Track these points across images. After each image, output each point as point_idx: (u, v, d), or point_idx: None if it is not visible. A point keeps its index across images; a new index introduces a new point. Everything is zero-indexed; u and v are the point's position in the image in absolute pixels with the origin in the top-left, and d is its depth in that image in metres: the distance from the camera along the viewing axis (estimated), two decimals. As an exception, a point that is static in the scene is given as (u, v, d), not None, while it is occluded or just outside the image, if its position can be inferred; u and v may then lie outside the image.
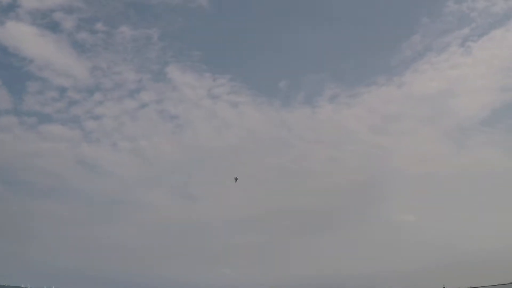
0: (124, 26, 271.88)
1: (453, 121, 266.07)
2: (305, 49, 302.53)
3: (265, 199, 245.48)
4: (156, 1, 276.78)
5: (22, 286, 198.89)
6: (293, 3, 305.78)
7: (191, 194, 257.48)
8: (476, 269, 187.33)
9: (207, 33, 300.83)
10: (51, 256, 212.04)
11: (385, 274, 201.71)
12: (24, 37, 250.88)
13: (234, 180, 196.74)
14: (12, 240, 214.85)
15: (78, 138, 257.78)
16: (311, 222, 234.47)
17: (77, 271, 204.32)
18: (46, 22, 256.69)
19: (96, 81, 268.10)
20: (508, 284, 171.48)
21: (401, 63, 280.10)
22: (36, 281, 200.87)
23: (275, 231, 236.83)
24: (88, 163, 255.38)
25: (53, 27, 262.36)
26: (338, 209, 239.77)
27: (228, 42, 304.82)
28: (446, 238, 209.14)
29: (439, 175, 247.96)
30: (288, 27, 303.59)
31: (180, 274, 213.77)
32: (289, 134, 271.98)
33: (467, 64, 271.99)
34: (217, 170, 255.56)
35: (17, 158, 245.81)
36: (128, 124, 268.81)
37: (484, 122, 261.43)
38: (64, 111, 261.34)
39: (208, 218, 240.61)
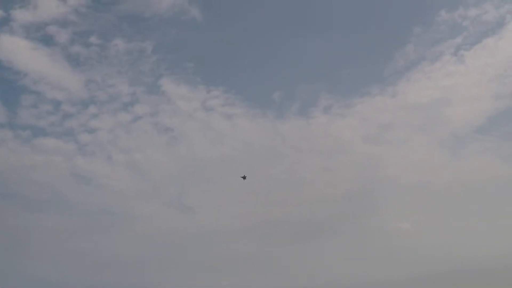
0: (118, 39, 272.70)
1: (447, 129, 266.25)
2: (299, 60, 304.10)
3: (260, 209, 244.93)
4: (149, 14, 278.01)
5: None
6: (286, 14, 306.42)
7: (186, 205, 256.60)
8: (472, 277, 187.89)
9: (200, 45, 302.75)
10: (46, 269, 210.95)
11: (380, 283, 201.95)
12: (18, 50, 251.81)
13: (242, 179, 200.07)
14: (6, 254, 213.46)
15: (72, 151, 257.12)
16: (306, 232, 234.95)
17: (73, 284, 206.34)
18: (40, 35, 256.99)
19: (91, 94, 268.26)
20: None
21: (395, 73, 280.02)
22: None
23: (270, 241, 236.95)
24: (83, 176, 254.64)
25: (47, 40, 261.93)
26: (333, 219, 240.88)
27: (222, 54, 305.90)
28: (442, 247, 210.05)
29: (434, 183, 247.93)
30: (282, 38, 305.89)
31: (177, 285, 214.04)
32: (283, 145, 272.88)
33: (460, 72, 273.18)
34: (211, 182, 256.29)
35: (12, 171, 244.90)
36: (123, 136, 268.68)
37: (479, 130, 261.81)
38: (59, 124, 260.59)
39: (203, 229, 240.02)
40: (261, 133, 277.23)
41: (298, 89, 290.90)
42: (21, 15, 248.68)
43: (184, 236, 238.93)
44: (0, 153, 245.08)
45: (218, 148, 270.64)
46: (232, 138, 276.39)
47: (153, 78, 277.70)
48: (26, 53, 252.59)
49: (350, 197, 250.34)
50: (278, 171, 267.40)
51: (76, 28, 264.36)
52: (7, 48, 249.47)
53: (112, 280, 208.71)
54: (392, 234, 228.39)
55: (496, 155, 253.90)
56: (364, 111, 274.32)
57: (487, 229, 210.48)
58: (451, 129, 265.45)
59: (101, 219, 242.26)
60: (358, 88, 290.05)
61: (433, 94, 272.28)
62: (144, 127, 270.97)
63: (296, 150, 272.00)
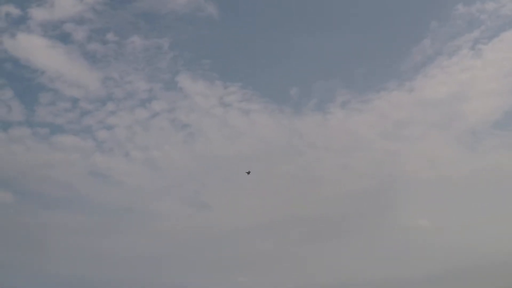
0: (135, 36, 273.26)
1: (464, 124, 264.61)
2: (315, 56, 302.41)
3: (278, 206, 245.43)
4: (166, 11, 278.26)
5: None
6: (302, 10, 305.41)
7: (204, 202, 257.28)
8: (493, 272, 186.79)
9: (217, 42, 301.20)
10: (64, 267, 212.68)
11: (400, 279, 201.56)
12: (35, 48, 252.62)
13: (247, 174, 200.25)
14: (25, 252, 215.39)
15: (90, 148, 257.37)
16: (324, 229, 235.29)
17: (90, 282, 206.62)
18: (57, 33, 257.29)
19: (108, 91, 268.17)
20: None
21: (412, 68, 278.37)
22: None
23: (287, 238, 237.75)
24: (101, 173, 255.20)
25: (64, 38, 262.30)
26: (350, 216, 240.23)
27: (239, 50, 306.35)
28: (461, 242, 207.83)
29: (452, 179, 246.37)
30: (298, 34, 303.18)
31: (195, 283, 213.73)
32: (301, 141, 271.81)
33: (477, 67, 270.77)
34: (229, 179, 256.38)
35: (30, 169, 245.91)
36: (140, 133, 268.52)
37: (496, 125, 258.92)
38: (77, 121, 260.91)
39: (221, 227, 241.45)
40: (278, 129, 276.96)
41: (315, 85, 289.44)
42: (38, 14, 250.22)
43: (201, 233, 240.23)
44: (18, 151, 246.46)
45: (235, 145, 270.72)
46: (249, 134, 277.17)
47: (170, 75, 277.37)
48: (44, 51, 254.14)
49: (367, 193, 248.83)
50: (295, 168, 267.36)
51: (93, 25, 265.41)
52: (24, 46, 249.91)
53: (129, 278, 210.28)
54: (410, 231, 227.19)
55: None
56: (381, 107, 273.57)
57: (505, 225, 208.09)
58: (468, 124, 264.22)
59: (118, 217, 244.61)
60: (375, 83, 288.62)
61: (450, 89, 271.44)
62: (161, 124, 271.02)
63: (313, 146, 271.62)
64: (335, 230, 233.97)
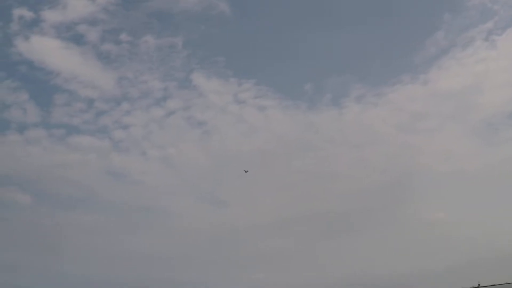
0: (148, 36, 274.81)
1: (480, 116, 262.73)
2: (329, 51, 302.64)
3: (295, 202, 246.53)
4: (178, 10, 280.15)
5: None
6: (315, 5, 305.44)
7: (220, 200, 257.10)
8: (509, 265, 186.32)
9: (230, 39, 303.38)
10: (81, 267, 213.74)
11: (419, 272, 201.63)
12: (49, 50, 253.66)
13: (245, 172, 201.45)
14: (42, 252, 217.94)
15: (107, 148, 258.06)
16: (342, 224, 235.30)
17: (108, 281, 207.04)
18: (71, 35, 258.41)
19: (123, 91, 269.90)
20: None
21: (426, 61, 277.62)
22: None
23: (305, 234, 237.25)
24: (118, 173, 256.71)
25: (78, 39, 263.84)
26: (368, 210, 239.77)
27: (252, 47, 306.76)
28: (479, 234, 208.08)
29: (468, 171, 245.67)
30: (311, 29, 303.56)
31: (213, 280, 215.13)
32: (316, 137, 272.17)
33: (492, 58, 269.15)
34: (245, 175, 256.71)
35: (46, 170, 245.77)
36: (156, 132, 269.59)
37: (511, 116, 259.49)
38: (92, 122, 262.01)
39: (238, 223, 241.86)
40: (294, 125, 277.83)
41: (330, 80, 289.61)
42: (50, 16, 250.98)
43: (218, 231, 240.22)
44: (35, 152, 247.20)
45: (251, 141, 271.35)
46: (265, 130, 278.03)
47: (185, 73, 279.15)
48: (58, 53, 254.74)
49: (384, 187, 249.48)
50: (311, 163, 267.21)
51: (106, 26, 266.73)
52: (38, 48, 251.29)
53: (147, 276, 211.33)
54: (428, 224, 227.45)
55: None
56: (396, 100, 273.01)
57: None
58: (483, 116, 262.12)
59: (135, 216, 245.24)
60: (390, 77, 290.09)
61: (464, 81, 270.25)
62: (177, 122, 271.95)
63: (329, 141, 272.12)
64: (352, 224, 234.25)
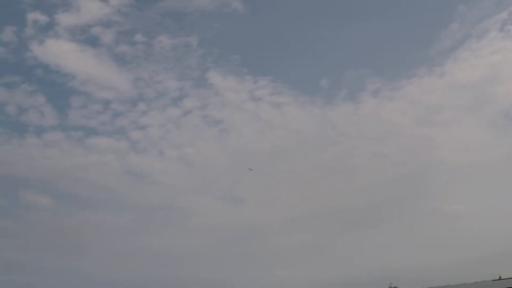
0: (163, 36, 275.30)
1: (497, 107, 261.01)
2: (344, 45, 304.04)
3: (314, 198, 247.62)
4: (192, 9, 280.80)
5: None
6: (328, 0, 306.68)
7: (239, 197, 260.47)
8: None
9: (244, 36, 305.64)
10: (101, 266, 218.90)
11: (438, 265, 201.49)
12: (65, 53, 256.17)
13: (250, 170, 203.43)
14: (62, 253, 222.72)
15: (124, 149, 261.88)
16: (361, 218, 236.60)
17: (128, 280, 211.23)
18: (85, 37, 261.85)
19: (139, 91, 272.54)
20: None
21: (441, 53, 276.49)
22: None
23: (325, 229, 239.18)
24: (136, 173, 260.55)
25: (93, 41, 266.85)
26: (387, 204, 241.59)
27: (267, 44, 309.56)
28: (499, 226, 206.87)
29: (486, 163, 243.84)
30: (325, 24, 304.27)
31: (234, 278, 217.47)
32: (333, 132, 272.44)
33: (508, 48, 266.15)
34: (263, 172, 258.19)
35: (65, 172, 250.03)
36: (174, 131, 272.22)
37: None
38: (109, 123, 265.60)
39: (257, 220, 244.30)
40: (311, 120, 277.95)
41: (345, 74, 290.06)
42: (64, 19, 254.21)
43: (238, 228, 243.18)
44: (53, 155, 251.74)
45: (268, 138, 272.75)
46: (282, 127, 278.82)
47: (200, 72, 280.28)
48: (73, 56, 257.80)
49: (402, 180, 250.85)
50: (329, 159, 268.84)
51: (120, 27, 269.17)
52: (53, 52, 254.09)
53: (167, 275, 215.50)
54: (447, 216, 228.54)
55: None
56: (412, 93, 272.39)
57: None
58: (501, 107, 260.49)
59: (154, 215, 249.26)
60: (405, 70, 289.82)
61: (481, 72, 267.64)
62: (194, 121, 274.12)
63: (346, 136, 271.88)
64: (372, 218, 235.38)
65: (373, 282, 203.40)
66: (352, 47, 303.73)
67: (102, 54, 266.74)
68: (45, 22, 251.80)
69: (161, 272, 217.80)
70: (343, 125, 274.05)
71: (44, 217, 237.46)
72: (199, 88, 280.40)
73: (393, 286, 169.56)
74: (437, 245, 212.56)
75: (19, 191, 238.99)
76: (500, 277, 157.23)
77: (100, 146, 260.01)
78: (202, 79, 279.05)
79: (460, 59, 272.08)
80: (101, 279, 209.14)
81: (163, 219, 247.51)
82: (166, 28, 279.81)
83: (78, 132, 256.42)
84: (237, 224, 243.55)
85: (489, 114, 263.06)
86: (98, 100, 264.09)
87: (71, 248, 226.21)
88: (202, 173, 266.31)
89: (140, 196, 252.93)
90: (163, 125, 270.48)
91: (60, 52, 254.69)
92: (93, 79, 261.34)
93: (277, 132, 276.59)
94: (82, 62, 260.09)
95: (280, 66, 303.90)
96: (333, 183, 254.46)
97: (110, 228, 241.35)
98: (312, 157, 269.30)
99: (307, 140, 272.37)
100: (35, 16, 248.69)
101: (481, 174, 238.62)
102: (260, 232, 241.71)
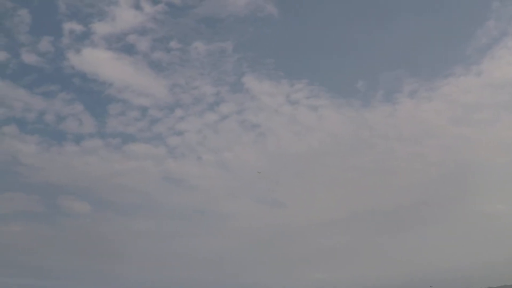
0: (198, 42, 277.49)
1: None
2: (379, 47, 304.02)
3: (352, 200, 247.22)
4: (226, 14, 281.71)
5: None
6: (362, 1, 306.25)
7: (277, 200, 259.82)
8: None
9: (279, 40, 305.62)
10: (140, 270, 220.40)
11: (480, 264, 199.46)
12: (101, 62, 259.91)
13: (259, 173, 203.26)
14: (101, 259, 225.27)
15: (162, 154, 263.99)
16: (401, 220, 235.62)
17: (166, 284, 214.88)
18: (121, 45, 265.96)
19: (176, 97, 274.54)
20: None
21: (477, 51, 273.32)
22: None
23: (364, 232, 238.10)
24: (174, 179, 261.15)
25: (129, 49, 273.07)
26: (426, 204, 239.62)
27: (302, 47, 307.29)
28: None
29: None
30: (359, 26, 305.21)
31: (272, 281, 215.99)
32: (371, 134, 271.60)
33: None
34: (301, 175, 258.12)
35: (104, 178, 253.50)
36: (211, 136, 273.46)
37: None
38: (147, 129, 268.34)
39: (295, 223, 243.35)
40: (348, 123, 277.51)
41: (382, 76, 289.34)
42: (100, 28, 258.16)
43: (276, 231, 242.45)
44: (92, 162, 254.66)
45: (305, 141, 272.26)
46: (319, 130, 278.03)
47: (236, 77, 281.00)
48: (109, 64, 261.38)
49: (441, 181, 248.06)
50: (367, 160, 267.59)
51: (155, 35, 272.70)
52: (90, 60, 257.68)
53: (206, 278, 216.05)
54: (488, 216, 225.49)
55: None
56: (449, 93, 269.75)
57: None
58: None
59: (193, 220, 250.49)
60: (442, 70, 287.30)
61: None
62: (231, 126, 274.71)
63: (384, 138, 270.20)
64: (411, 220, 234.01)
65: (413, 284, 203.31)
66: (387, 48, 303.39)
67: (138, 61, 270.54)
68: (81, 32, 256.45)
69: (198, 275, 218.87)
70: (380, 127, 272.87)
71: (83, 223, 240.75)
72: (236, 92, 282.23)
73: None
74: (477, 246, 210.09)
75: (58, 198, 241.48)
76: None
77: (138, 152, 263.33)
78: (238, 84, 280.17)
79: (497, 57, 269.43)
80: (139, 283, 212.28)
81: (200, 223, 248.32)
82: (201, 34, 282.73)
83: (116, 139, 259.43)
84: (275, 227, 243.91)
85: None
86: (135, 107, 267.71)
87: (109, 253, 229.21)
88: (240, 177, 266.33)
89: (178, 200, 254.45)
90: (200, 131, 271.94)
91: (97, 61, 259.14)
92: (130, 86, 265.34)
93: (314, 135, 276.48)
94: (118, 70, 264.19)
95: (315, 69, 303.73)
96: (371, 185, 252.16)
97: (148, 233, 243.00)
98: (350, 159, 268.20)
99: (344, 143, 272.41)
100: (71, 26, 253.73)
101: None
102: (298, 235, 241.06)
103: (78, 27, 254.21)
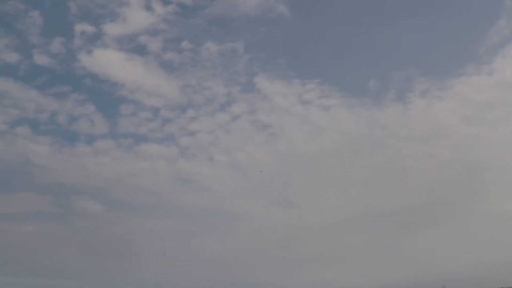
0: (209, 42, 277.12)
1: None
2: (391, 46, 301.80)
3: (364, 200, 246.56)
4: (237, 14, 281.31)
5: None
6: (373, 1, 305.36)
7: (289, 200, 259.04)
8: None
9: (291, 40, 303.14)
10: (152, 271, 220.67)
11: (492, 266, 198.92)
12: (113, 63, 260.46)
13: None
14: (114, 259, 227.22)
15: (174, 155, 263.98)
16: (413, 220, 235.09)
17: (178, 285, 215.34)
18: (133, 46, 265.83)
19: (187, 98, 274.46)
20: None
21: (489, 50, 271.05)
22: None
23: (376, 232, 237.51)
24: (186, 179, 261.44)
25: (140, 50, 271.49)
26: (439, 204, 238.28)
27: (313, 47, 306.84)
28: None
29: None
30: (371, 26, 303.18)
31: (283, 280, 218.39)
32: (383, 133, 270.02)
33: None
34: (312, 175, 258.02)
35: (116, 179, 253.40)
36: (223, 137, 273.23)
37: None
38: (159, 130, 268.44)
39: (307, 223, 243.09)
40: (359, 122, 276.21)
41: (393, 75, 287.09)
42: (112, 29, 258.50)
43: (288, 231, 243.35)
44: (104, 162, 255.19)
45: (317, 141, 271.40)
46: (331, 130, 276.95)
47: (248, 77, 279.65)
48: (121, 65, 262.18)
49: (454, 181, 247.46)
50: (379, 160, 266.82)
51: (166, 35, 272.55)
52: (101, 61, 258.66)
53: (218, 279, 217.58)
54: (500, 216, 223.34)
55: None
56: (461, 92, 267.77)
57: None
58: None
59: (205, 220, 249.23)
60: (453, 69, 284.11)
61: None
62: (242, 126, 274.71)
63: (396, 137, 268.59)
64: (423, 220, 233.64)
65: (425, 284, 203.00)
66: (399, 47, 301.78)
67: (149, 62, 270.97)
68: (93, 33, 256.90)
69: (210, 276, 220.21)
70: (392, 126, 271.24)
71: (96, 223, 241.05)
72: (247, 93, 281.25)
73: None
74: (490, 246, 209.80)
75: (71, 198, 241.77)
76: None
77: (150, 153, 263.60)
78: (250, 84, 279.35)
79: (509, 56, 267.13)
80: (151, 283, 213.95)
81: (212, 224, 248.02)
82: (213, 35, 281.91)
83: (128, 140, 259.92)
84: (286, 227, 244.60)
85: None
86: (147, 107, 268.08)
87: (122, 253, 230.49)
88: (252, 178, 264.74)
89: (191, 201, 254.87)
90: (212, 131, 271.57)
91: (108, 62, 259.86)
92: (142, 87, 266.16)
93: (326, 135, 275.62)
94: (130, 70, 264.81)
95: (327, 68, 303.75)
96: (383, 185, 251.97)
97: (160, 233, 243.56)
98: (362, 159, 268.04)
99: (356, 142, 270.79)
100: (83, 27, 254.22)
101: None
102: (310, 235, 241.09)
103: (89, 28, 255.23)
